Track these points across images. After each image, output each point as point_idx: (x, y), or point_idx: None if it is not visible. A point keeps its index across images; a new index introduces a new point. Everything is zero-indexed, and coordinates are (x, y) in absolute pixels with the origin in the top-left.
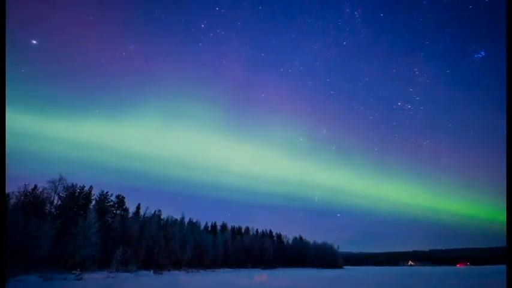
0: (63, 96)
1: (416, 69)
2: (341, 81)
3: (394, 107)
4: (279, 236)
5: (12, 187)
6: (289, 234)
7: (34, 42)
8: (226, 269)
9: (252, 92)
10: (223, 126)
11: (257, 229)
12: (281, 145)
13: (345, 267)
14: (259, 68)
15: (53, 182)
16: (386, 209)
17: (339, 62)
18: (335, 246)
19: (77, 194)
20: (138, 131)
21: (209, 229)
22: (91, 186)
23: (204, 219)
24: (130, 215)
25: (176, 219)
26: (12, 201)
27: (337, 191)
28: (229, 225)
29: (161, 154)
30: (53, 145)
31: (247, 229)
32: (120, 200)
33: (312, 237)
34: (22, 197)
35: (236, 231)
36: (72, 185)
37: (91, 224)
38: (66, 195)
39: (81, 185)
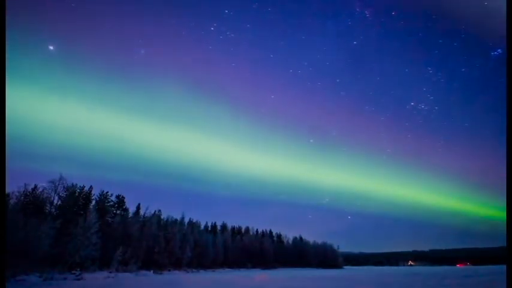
0: (65, 97)
1: (430, 68)
2: (352, 82)
3: (407, 107)
4: (279, 236)
5: (12, 187)
6: (289, 234)
7: (51, 48)
8: (226, 269)
9: (262, 93)
10: (232, 128)
11: (257, 229)
12: (291, 147)
13: (345, 267)
14: (268, 70)
15: (53, 182)
16: (393, 210)
17: (349, 62)
18: (335, 246)
19: (77, 194)
20: (139, 132)
21: (209, 229)
22: (91, 186)
23: (205, 220)
24: (130, 215)
25: (176, 219)
26: (12, 201)
27: (347, 193)
28: (229, 225)
29: (164, 155)
30: (54, 145)
31: (247, 229)
32: (120, 200)
33: (315, 237)
34: (22, 197)
35: (236, 231)
36: (72, 185)
37: (91, 224)
38: (66, 195)
39: (81, 185)
